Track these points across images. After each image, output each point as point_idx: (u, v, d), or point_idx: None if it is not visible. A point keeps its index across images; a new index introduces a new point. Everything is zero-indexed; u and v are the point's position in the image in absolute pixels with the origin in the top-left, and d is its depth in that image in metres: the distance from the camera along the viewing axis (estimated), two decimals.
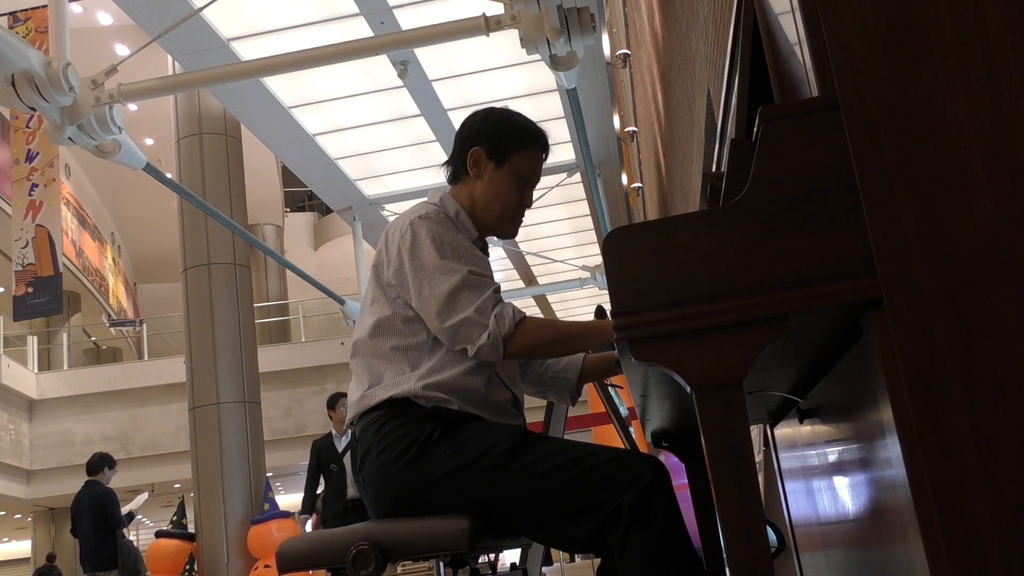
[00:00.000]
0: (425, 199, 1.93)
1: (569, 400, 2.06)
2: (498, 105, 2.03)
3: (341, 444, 6.59)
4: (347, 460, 6.18)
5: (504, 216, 1.92)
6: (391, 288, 1.81)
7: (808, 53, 1.09)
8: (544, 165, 1.98)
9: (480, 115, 1.95)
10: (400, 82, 6.47)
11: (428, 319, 1.75)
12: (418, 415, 1.73)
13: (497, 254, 10.44)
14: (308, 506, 6.80)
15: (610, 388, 4.90)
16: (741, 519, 1.05)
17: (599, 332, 1.78)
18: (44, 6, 6.86)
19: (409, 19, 5.85)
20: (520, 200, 1.93)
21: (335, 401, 6.73)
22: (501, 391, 1.83)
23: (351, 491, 6.27)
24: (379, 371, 1.80)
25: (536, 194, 2.03)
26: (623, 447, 4.42)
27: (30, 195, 11.03)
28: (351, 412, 1.84)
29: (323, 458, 6.69)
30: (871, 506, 1.22)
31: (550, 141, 1.98)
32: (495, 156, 1.89)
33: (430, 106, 6.92)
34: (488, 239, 1.99)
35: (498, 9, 4.24)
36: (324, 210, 23.73)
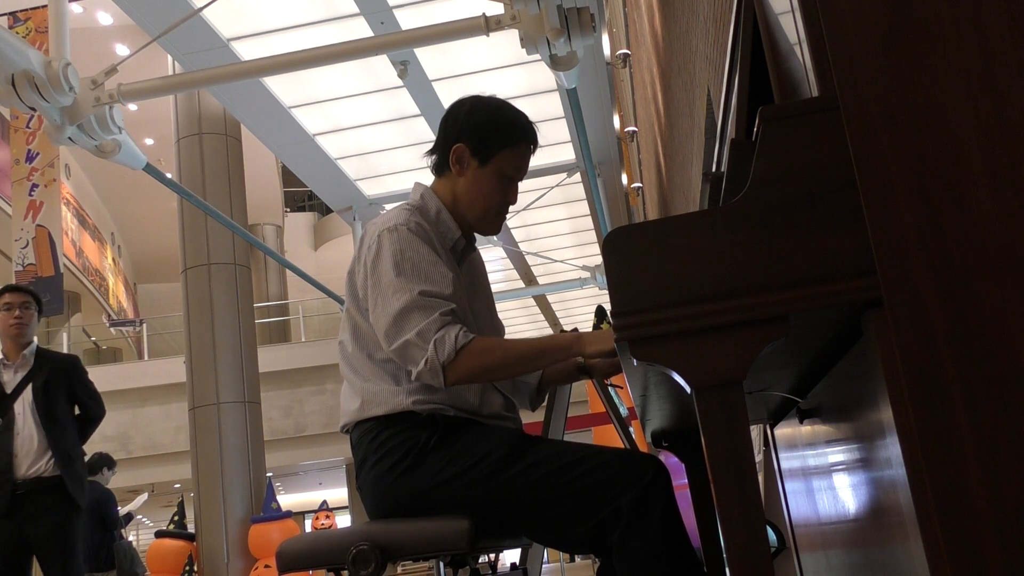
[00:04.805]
0: (407, 201, 1.87)
1: (529, 406, 1.99)
2: None
3: (13, 377, 4.00)
4: (24, 408, 3.94)
5: (487, 215, 1.86)
6: (362, 299, 1.78)
7: (808, 53, 1.09)
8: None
9: (466, 107, 1.86)
10: (400, 82, 6.47)
11: (380, 338, 1.72)
12: (415, 422, 1.72)
13: (497, 254, 10.45)
14: None
15: (610, 388, 4.91)
16: (741, 519, 1.05)
17: (556, 349, 1.70)
18: (44, 6, 6.85)
19: (409, 19, 5.85)
20: (504, 198, 1.86)
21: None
22: (493, 395, 1.81)
23: (25, 467, 3.86)
24: (366, 377, 1.78)
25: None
26: (623, 447, 4.42)
27: (30, 195, 11.02)
28: (344, 420, 1.84)
29: None
30: (871, 506, 1.22)
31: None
32: (479, 154, 1.82)
33: (430, 106, 6.92)
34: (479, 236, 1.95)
35: (498, 9, 4.24)
36: (324, 210, 23.71)
